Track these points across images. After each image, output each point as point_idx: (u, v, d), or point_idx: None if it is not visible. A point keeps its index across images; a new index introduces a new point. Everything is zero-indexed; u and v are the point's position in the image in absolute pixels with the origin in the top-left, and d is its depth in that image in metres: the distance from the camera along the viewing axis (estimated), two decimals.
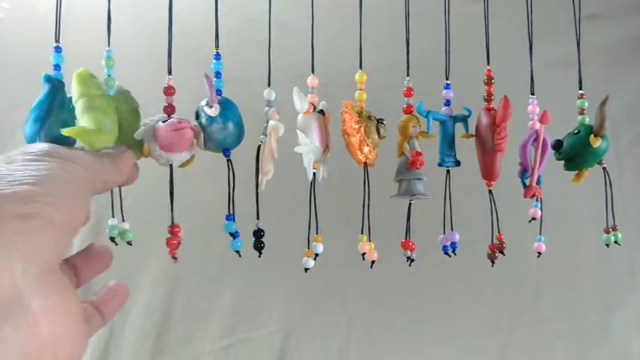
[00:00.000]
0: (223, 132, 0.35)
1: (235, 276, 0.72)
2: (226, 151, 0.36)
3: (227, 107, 0.36)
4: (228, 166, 0.36)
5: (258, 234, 0.37)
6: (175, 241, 0.35)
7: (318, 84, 0.39)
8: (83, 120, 0.34)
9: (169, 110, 0.36)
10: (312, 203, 0.38)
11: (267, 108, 0.38)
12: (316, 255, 0.38)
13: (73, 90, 0.35)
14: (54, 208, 0.24)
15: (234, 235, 0.37)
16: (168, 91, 0.36)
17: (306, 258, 0.38)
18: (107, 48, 0.37)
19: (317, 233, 0.38)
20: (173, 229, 0.35)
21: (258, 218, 0.37)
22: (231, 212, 0.37)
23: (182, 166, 0.36)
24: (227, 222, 0.37)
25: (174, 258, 0.35)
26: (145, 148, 0.35)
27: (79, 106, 0.34)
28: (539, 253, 0.45)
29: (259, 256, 0.38)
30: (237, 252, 0.37)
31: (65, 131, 0.32)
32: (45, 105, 0.35)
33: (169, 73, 0.37)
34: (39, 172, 0.25)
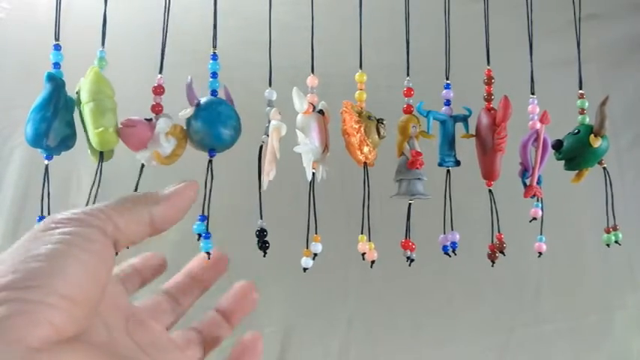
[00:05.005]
0: (198, 133, 0.35)
1: (235, 276, 0.72)
2: (211, 152, 0.36)
3: (204, 108, 0.36)
4: (208, 167, 0.36)
5: (262, 234, 0.37)
6: None
7: (317, 84, 0.39)
8: (103, 120, 0.34)
9: (157, 109, 0.36)
10: (311, 203, 0.38)
11: (268, 108, 0.38)
12: (315, 255, 0.38)
13: (89, 87, 0.35)
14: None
15: (203, 236, 0.36)
16: (157, 90, 0.36)
17: (305, 258, 0.38)
18: (100, 49, 0.37)
19: (316, 233, 0.38)
20: None
21: (261, 218, 0.37)
22: (205, 213, 0.36)
23: (164, 162, 0.36)
24: (198, 222, 0.36)
25: None
26: None
27: (95, 105, 0.34)
28: (540, 253, 0.45)
29: (264, 256, 0.37)
30: (208, 253, 0.35)
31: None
32: (51, 105, 0.35)
33: (160, 72, 0.37)
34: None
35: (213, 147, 0.36)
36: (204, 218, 0.36)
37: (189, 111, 0.35)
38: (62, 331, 0.24)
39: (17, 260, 0.24)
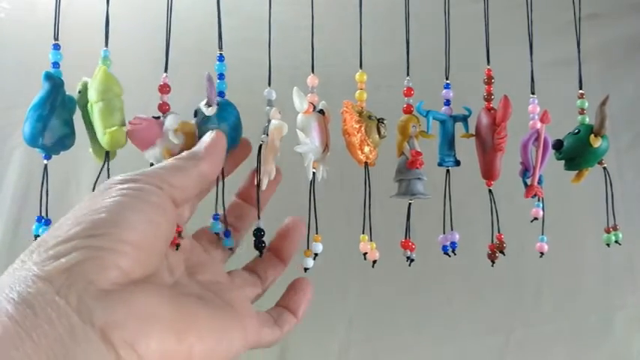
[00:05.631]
0: None
1: None
2: None
3: (224, 109, 0.36)
4: None
5: (259, 233, 0.37)
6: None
7: (318, 83, 0.39)
8: (113, 119, 0.35)
9: (164, 108, 0.36)
10: (312, 203, 0.38)
11: (268, 107, 0.38)
12: (315, 255, 0.38)
13: (98, 87, 0.35)
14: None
15: (225, 234, 0.37)
16: (163, 89, 0.37)
17: (306, 258, 0.38)
18: (104, 48, 0.37)
19: (317, 233, 0.38)
20: None
21: (259, 218, 0.37)
22: (218, 212, 0.37)
23: None
24: (213, 222, 0.37)
25: (177, 245, 0.33)
26: None
27: (105, 104, 0.35)
28: (542, 254, 0.45)
29: (260, 256, 0.38)
30: (231, 249, 0.37)
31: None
32: (47, 104, 0.35)
33: (165, 70, 0.37)
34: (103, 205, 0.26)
35: (227, 148, 0.36)
36: (218, 217, 0.37)
37: (211, 109, 0.35)
38: (130, 274, 0.25)
39: (80, 214, 0.26)
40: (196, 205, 0.37)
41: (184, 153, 0.32)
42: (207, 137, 0.33)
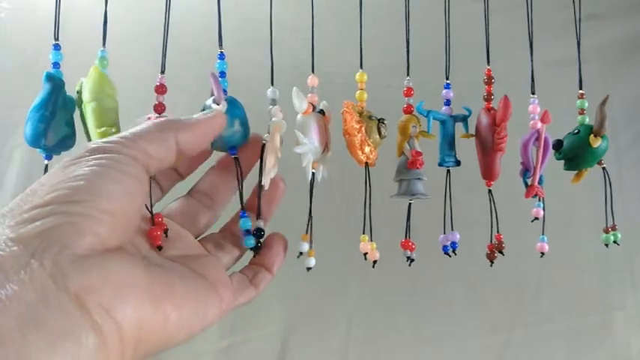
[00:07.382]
0: (230, 129, 0.34)
1: None
2: (232, 150, 0.35)
3: (234, 105, 0.35)
4: (236, 165, 0.36)
5: (258, 233, 0.37)
6: (159, 232, 0.32)
7: (318, 84, 0.39)
8: (105, 120, 0.35)
9: (160, 109, 0.36)
10: (311, 203, 0.38)
11: (271, 106, 0.37)
12: (300, 253, 0.38)
13: (91, 87, 0.35)
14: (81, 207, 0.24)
15: (249, 231, 0.36)
16: (160, 89, 0.36)
17: (308, 258, 0.38)
18: (102, 48, 0.37)
19: (308, 232, 0.38)
20: (154, 219, 0.33)
21: (258, 217, 0.37)
22: (244, 209, 0.36)
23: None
24: (242, 219, 0.36)
25: (159, 247, 0.32)
26: None
27: (97, 104, 0.35)
28: (543, 253, 0.45)
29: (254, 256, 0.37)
30: (252, 249, 0.36)
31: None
32: (49, 104, 0.35)
33: (162, 72, 0.37)
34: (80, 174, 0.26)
35: (236, 145, 0.35)
36: (245, 214, 0.36)
37: (221, 107, 0.34)
38: (106, 242, 0.25)
39: (57, 181, 0.25)
40: (170, 187, 0.37)
41: (167, 120, 0.31)
42: (203, 113, 0.33)
